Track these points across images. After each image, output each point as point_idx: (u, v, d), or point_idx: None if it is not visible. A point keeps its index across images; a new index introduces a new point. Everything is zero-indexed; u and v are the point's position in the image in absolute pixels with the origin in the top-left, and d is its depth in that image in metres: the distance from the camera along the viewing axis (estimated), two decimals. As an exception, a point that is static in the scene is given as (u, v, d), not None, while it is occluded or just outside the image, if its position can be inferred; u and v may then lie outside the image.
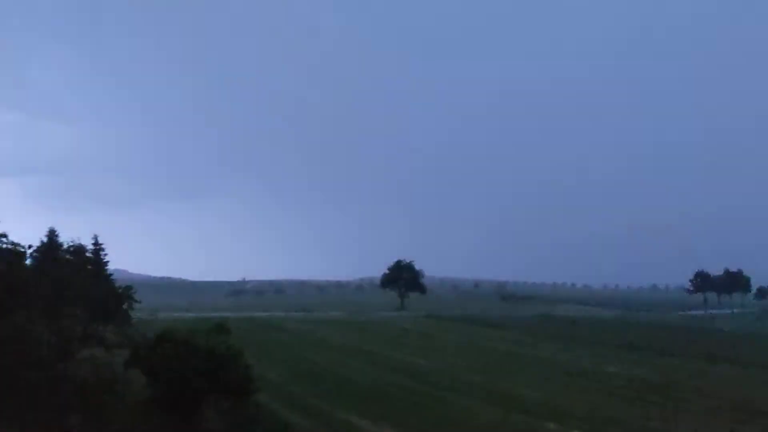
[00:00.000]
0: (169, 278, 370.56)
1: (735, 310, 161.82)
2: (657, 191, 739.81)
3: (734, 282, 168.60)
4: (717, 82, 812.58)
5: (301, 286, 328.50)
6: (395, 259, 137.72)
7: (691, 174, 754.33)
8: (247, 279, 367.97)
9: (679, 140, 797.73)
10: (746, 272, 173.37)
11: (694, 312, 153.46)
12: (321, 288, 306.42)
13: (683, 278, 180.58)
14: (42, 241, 32.24)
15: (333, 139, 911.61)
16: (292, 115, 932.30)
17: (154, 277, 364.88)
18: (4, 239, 27.65)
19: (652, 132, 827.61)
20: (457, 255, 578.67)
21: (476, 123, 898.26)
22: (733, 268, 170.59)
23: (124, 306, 32.38)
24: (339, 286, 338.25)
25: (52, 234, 32.75)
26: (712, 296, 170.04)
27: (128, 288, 32.57)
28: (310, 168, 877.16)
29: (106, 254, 34.05)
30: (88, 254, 33.25)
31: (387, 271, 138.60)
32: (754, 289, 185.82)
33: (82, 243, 32.89)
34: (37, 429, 22.52)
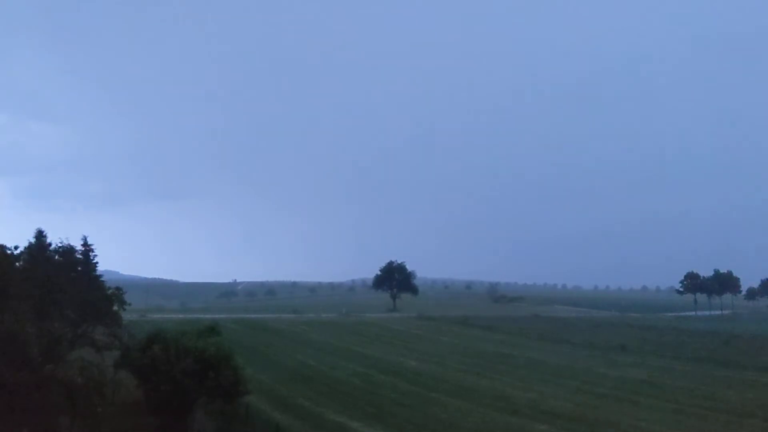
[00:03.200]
0: (160, 279, 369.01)
1: (724, 311, 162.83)
2: (649, 194, 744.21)
3: (724, 283, 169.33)
4: (721, 88, 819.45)
5: (293, 287, 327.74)
6: (387, 260, 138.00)
7: (684, 177, 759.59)
8: (238, 280, 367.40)
9: (676, 145, 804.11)
10: (736, 273, 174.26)
11: (685, 313, 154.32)
12: (312, 289, 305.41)
13: (673, 280, 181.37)
14: (30, 242, 31.94)
15: (326, 140, 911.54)
16: (284, 116, 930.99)
17: (145, 279, 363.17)
18: None
19: (649, 137, 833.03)
20: (449, 256, 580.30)
21: (471, 124, 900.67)
22: (723, 270, 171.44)
23: (114, 307, 32.12)
24: (331, 287, 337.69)
25: (40, 234, 32.46)
26: (702, 297, 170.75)
27: (118, 289, 32.33)
28: (301, 170, 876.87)
29: (95, 255, 33.74)
30: (77, 255, 32.91)
31: (379, 272, 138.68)
32: (743, 291, 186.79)
33: (72, 244, 32.58)
34: (25, 431, 22.34)
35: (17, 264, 29.72)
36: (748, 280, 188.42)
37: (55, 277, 29.94)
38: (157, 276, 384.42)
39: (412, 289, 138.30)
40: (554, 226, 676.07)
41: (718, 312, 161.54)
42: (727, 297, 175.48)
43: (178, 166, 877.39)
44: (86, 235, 33.78)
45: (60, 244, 31.99)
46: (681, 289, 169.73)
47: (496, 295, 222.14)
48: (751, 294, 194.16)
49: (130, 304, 33.58)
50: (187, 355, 26.28)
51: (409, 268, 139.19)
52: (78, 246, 33.11)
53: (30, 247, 31.02)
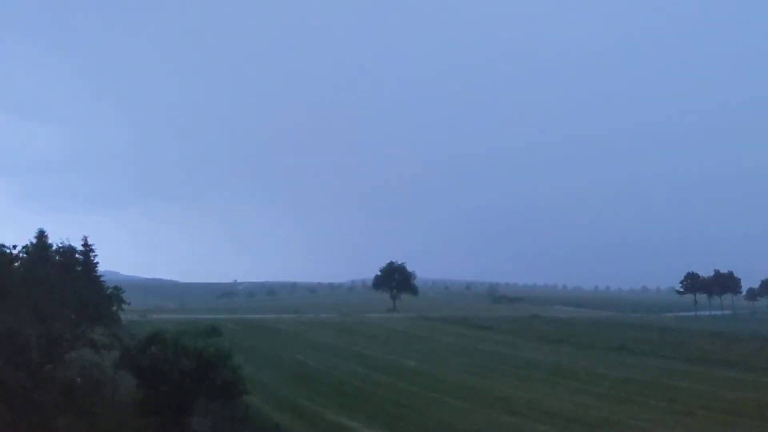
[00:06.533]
0: (159, 280, 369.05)
1: (724, 311, 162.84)
2: (647, 195, 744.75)
3: (724, 283, 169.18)
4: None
5: (293, 287, 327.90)
6: (387, 261, 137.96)
7: (681, 178, 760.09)
8: (238, 281, 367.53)
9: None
10: (736, 273, 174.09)
11: (685, 313, 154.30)
12: (312, 290, 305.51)
13: (673, 280, 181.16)
14: (31, 242, 31.96)
15: (325, 141, 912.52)
16: (280, 116, 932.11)
17: (145, 279, 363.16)
18: None
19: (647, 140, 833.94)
20: (449, 256, 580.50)
21: (468, 126, 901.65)
22: (724, 270, 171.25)
23: (114, 307, 32.12)
24: (331, 287, 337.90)
25: (41, 235, 32.50)
26: (702, 298, 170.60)
27: (117, 289, 32.36)
28: (301, 170, 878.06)
29: (95, 255, 33.79)
30: (77, 256, 32.93)
31: (379, 273, 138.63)
32: (744, 291, 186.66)
33: (72, 244, 32.60)
34: (24, 431, 22.36)
35: (17, 264, 29.74)
36: (749, 280, 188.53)
37: (55, 277, 29.93)
38: (157, 276, 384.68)
39: (412, 290, 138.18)
40: (552, 227, 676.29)
41: (719, 312, 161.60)
42: (728, 297, 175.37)
43: (178, 166, 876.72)
44: (86, 235, 33.92)
45: (60, 245, 32.02)
46: (681, 290, 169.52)
47: (496, 295, 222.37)
48: (752, 294, 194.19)
49: (129, 304, 33.59)
50: (186, 355, 26.33)
51: (410, 268, 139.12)
52: (78, 246, 33.15)
53: (30, 247, 31.02)
